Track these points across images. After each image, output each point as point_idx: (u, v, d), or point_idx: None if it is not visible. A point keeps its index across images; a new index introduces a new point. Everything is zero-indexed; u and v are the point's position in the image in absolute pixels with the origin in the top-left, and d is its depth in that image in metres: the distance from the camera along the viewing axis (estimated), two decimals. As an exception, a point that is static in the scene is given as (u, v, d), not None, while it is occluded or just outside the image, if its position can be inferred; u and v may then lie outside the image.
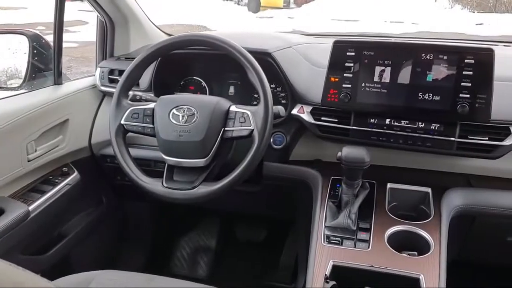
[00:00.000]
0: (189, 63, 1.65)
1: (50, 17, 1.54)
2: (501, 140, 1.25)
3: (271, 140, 1.53)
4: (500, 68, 1.31)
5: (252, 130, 1.22)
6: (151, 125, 1.28)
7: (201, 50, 1.44)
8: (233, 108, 1.26)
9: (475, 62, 1.22)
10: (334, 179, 1.41)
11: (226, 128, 1.25)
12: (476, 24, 8.23)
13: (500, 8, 10.92)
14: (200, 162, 1.25)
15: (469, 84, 1.23)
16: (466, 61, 1.22)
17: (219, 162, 1.32)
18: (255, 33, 1.81)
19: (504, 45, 1.74)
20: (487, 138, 1.26)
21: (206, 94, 1.65)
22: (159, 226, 2.15)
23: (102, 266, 1.17)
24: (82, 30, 7.62)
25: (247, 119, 1.23)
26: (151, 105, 1.30)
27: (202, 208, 2.07)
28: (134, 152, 1.59)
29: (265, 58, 1.44)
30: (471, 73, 1.22)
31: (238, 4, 14.23)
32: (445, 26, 8.07)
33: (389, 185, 1.38)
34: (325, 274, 1.11)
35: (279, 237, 2.07)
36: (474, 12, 10.91)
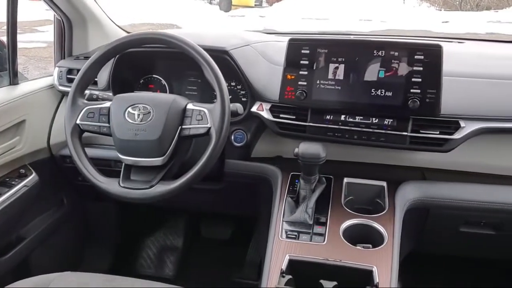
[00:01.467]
0: (149, 61, 1.65)
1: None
2: (452, 134, 1.29)
3: (232, 137, 1.54)
4: (450, 64, 1.35)
5: (209, 128, 1.22)
6: (107, 125, 1.27)
7: (160, 48, 1.43)
8: (190, 106, 1.27)
9: (424, 58, 1.25)
10: (293, 175, 1.43)
11: (183, 126, 1.25)
12: (442, 22, 8.42)
13: (465, 6, 11.21)
14: (157, 161, 1.24)
15: (419, 80, 1.26)
16: (416, 57, 1.26)
17: (177, 161, 1.32)
18: (214, 32, 1.81)
19: (458, 42, 1.79)
20: (438, 132, 1.30)
21: (166, 92, 1.64)
22: (124, 226, 2.13)
23: (64, 269, 1.16)
24: (51, 29, 7.45)
25: (204, 116, 1.24)
26: (107, 104, 1.29)
27: (167, 207, 2.06)
28: (94, 152, 1.59)
29: (222, 56, 1.45)
30: (421, 69, 1.26)
31: (210, 3, 14.18)
32: (413, 24, 8.23)
33: (345, 180, 1.40)
34: (281, 269, 1.13)
35: (245, 234, 2.08)
36: (441, 10, 11.17)
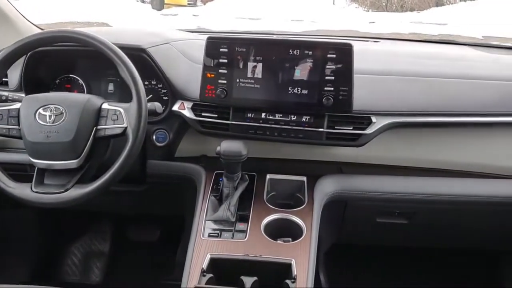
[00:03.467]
0: (66, 60, 1.58)
1: None
2: (364, 129, 1.36)
3: (154, 137, 1.52)
4: (363, 62, 1.42)
5: (126, 128, 1.20)
6: (16, 127, 1.21)
7: (75, 46, 1.38)
8: (106, 105, 1.24)
9: (336, 57, 1.30)
10: (217, 174, 1.43)
11: (98, 127, 1.22)
12: (369, 22, 8.77)
13: (391, 7, 11.75)
14: (72, 163, 1.21)
15: (332, 78, 1.31)
16: (328, 56, 1.30)
17: (94, 163, 1.29)
18: (132, 29, 1.78)
19: (374, 41, 1.88)
20: (351, 128, 1.36)
21: (84, 92, 1.58)
22: (47, 234, 2.04)
23: None
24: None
25: (119, 116, 1.21)
26: (17, 105, 1.23)
27: (92, 211, 2.00)
28: (7, 156, 1.51)
29: (139, 54, 1.42)
30: (333, 67, 1.31)
31: (143, 1, 13.85)
32: (342, 24, 8.50)
33: (268, 176, 1.43)
34: (202, 268, 1.13)
35: (174, 234, 2.06)
36: (368, 11, 11.63)
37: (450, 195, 1.41)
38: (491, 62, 1.57)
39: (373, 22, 8.90)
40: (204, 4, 13.71)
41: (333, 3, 11.70)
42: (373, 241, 1.76)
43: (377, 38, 1.96)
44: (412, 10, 11.19)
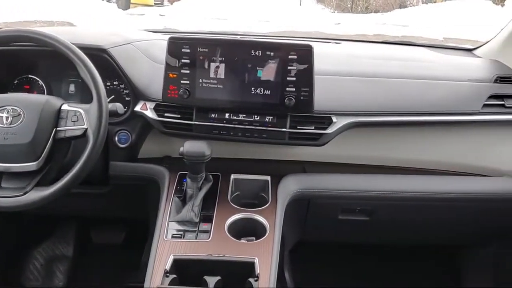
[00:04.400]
0: (25, 60, 1.54)
1: None
2: (325, 129, 1.39)
3: (116, 138, 1.50)
4: (324, 63, 1.45)
5: (86, 129, 1.19)
6: None
7: (33, 46, 1.35)
8: (65, 106, 1.22)
9: (297, 58, 1.32)
10: (181, 174, 1.43)
11: (58, 128, 1.20)
12: (335, 24, 8.90)
13: (356, 9, 11.98)
14: (31, 166, 1.19)
15: (294, 79, 1.33)
16: (289, 57, 1.32)
17: (54, 165, 1.27)
18: (93, 29, 1.76)
19: (335, 43, 1.92)
20: (313, 127, 1.38)
21: (44, 93, 1.55)
22: (6, 238, 1.98)
23: None
24: None
25: (80, 117, 1.20)
26: None
27: (54, 214, 1.96)
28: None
29: (100, 54, 1.41)
30: (294, 68, 1.32)
31: (108, 1, 13.60)
32: (308, 25, 8.59)
33: (232, 176, 1.44)
34: (165, 269, 1.13)
35: (139, 236, 2.04)
36: (334, 12, 11.82)
37: (408, 192, 1.46)
38: (446, 63, 1.63)
39: (339, 24, 9.05)
40: (171, 4, 13.58)
41: (300, 4, 11.82)
42: (337, 238, 1.80)
43: (338, 39, 1.99)
44: (376, 11, 11.43)
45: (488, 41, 1.76)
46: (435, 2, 11.35)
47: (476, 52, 1.82)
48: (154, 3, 13.32)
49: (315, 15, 10.60)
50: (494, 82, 1.51)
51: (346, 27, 8.49)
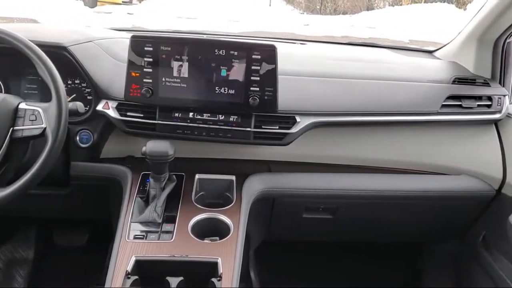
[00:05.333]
0: None
1: None
2: (289, 128, 1.40)
3: (77, 138, 1.47)
4: (288, 63, 1.46)
5: (45, 129, 1.16)
6: None
7: None
8: (23, 105, 1.19)
9: (261, 58, 1.32)
10: (144, 174, 1.41)
11: (15, 128, 1.17)
12: (304, 25, 8.99)
13: (325, 11, 12.13)
14: None
15: (258, 78, 1.33)
16: (253, 57, 1.32)
17: (12, 165, 1.23)
18: (54, 27, 1.72)
19: (301, 43, 1.94)
20: (277, 127, 1.39)
21: (1, 91, 1.50)
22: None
23: None
24: None
25: (38, 116, 1.17)
26: None
27: (13, 217, 1.90)
28: None
29: (60, 52, 1.38)
30: (258, 68, 1.33)
31: (75, -2, 13.29)
32: (278, 26, 8.64)
33: (197, 176, 1.43)
34: (126, 270, 1.11)
35: (103, 238, 2.00)
36: (303, 13, 11.93)
37: (370, 190, 1.49)
38: (407, 65, 1.67)
39: (308, 25, 9.15)
40: (140, 2, 13.39)
41: (269, 5, 11.88)
42: (302, 237, 1.82)
43: (306, 40, 2.01)
44: (344, 13, 11.61)
45: (448, 43, 1.81)
46: (401, 4, 11.60)
47: (436, 54, 1.87)
48: (122, 2, 13.10)
49: (285, 16, 10.68)
50: (452, 83, 1.55)
51: (315, 28, 8.60)
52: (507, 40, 1.57)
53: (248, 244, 1.67)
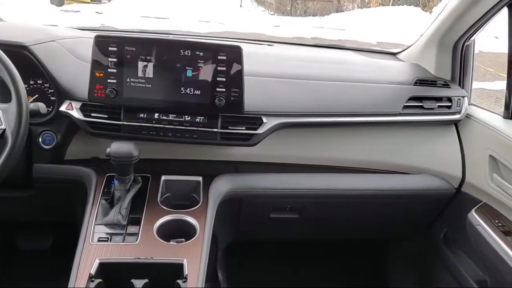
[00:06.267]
0: None
1: None
2: (256, 129, 1.41)
3: (40, 139, 1.44)
4: (255, 64, 1.47)
5: (4, 130, 1.13)
6: None
7: None
8: None
9: (227, 59, 1.33)
10: (109, 176, 1.40)
11: None
12: (274, 26, 9.05)
13: (295, 12, 12.22)
14: None
15: (224, 79, 1.34)
16: (219, 57, 1.33)
17: (-31, 168, 1.19)
18: (15, 25, 1.68)
19: (268, 44, 1.95)
20: (244, 128, 1.40)
21: (-41, 92, 1.46)
22: None
23: None
24: None
25: None
26: None
27: None
28: None
29: (21, 51, 1.35)
30: (224, 69, 1.33)
31: (41, -4, 12.96)
32: (248, 27, 8.66)
33: (163, 177, 1.42)
34: (90, 273, 1.10)
35: (68, 241, 1.96)
36: (274, 15, 11.98)
37: (335, 189, 1.52)
38: (371, 66, 1.70)
39: (278, 26, 9.21)
40: (109, 1, 13.17)
41: (240, 6, 11.88)
42: (270, 237, 1.83)
43: (271, 42, 2.03)
44: (314, 15, 11.73)
45: (410, 46, 1.85)
46: (369, 6, 11.81)
47: (399, 56, 1.92)
48: (91, 0, 12.86)
49: (255, 17, 10.70)
50: (414, 85, 1.59)
51: (285, 29, 8.66)
52: (466, 43, 1.62)
53: (216, 244, 1.67)
